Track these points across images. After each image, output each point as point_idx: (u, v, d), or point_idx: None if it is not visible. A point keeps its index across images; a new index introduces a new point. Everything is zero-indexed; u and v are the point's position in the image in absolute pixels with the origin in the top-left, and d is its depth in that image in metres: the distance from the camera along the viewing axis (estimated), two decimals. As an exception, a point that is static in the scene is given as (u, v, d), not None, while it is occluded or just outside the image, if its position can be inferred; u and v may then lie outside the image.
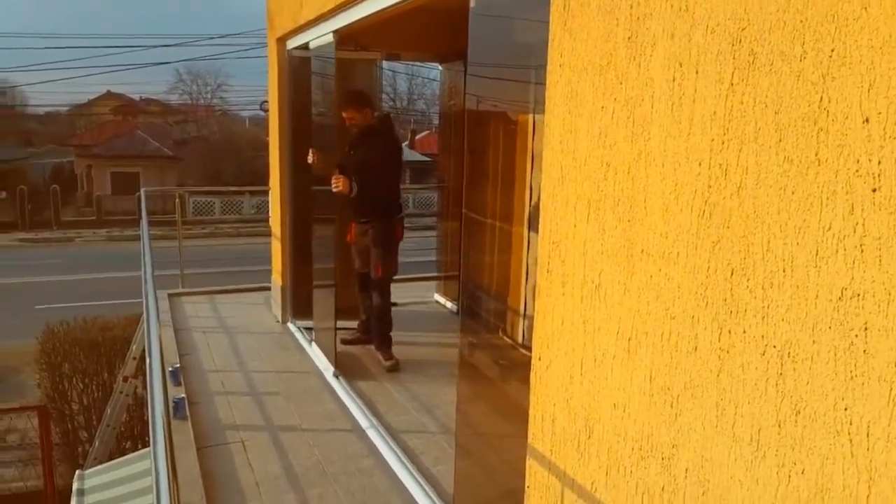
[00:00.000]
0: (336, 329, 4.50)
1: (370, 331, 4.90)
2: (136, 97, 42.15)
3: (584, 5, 1.78)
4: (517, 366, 4.90)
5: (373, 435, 3.57)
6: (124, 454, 6.76)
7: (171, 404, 3.71)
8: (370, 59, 5.54)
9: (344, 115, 4.59)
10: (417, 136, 34.53)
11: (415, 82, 39.43)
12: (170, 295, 6.18)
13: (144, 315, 4.08)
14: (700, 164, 1.45)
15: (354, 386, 4.21)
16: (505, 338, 5.39)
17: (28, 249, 22.06)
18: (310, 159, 4.71)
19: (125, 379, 5.35)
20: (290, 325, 5.48)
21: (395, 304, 6.15)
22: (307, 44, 4.83)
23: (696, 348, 1.48)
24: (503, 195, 5.24)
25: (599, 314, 1.77)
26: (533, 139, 4.98)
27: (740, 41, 1.35)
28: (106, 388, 7.36)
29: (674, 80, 1.51)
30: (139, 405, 6.67)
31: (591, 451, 1.81)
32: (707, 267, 1.44)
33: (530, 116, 4.91)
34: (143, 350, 5.56)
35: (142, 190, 6.29)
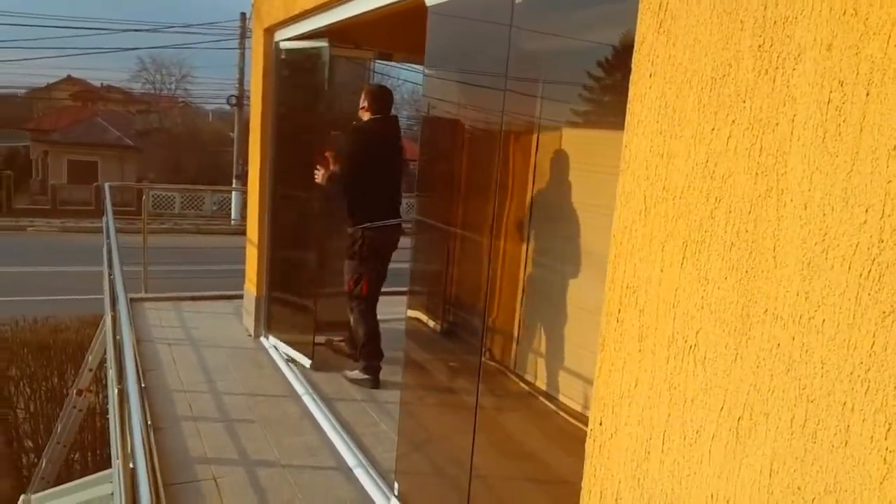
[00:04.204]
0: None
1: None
2: (97, 83, 40.84)
3: (689, 3, 1.46)
4: (510, 395, 4.58)
5: (360, 475, 3.20)
6: (72, 468, 6.25)
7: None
8: (362, 57, 5.19)
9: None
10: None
11: (388, 84, 38.89)
12: (132, 300, 5.69)
13: (108, 325, 3.64)
14: (867, 212, 1.14)
15: (336, 414, 3.83)
16: (492, 363, 5.06)
17: (-23, 236, 20.99)
18: None
19: (79, 392, 4.87)
20: (263, 339, 5.06)
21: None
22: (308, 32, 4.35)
23: (845, 443, 1.17)
24: (499, 208, 4.91)
25: (694, 382, 1.45)
26: (536, 153, 4.69)
27: (944, 57, 1.04)
28: (55, 394, 6.83)
29: (829, 101, 1.19)
30: (92, 416, 6.17)
31: (674, 548, 1.48)
32: (871, 343, 1.13)
33: (535, 129, 4.62)
34: (101, 361, 5.09)
35: (106, 184, 5.81)
